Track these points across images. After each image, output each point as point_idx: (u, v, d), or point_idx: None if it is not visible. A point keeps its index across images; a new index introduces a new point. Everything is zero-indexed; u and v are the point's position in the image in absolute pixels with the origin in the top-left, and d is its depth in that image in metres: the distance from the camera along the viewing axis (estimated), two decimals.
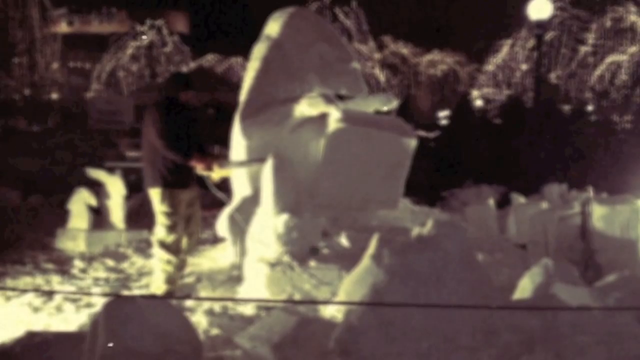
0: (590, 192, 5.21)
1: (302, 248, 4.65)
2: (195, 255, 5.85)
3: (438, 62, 48.74)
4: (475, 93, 42.90)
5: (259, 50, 5.95)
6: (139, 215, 7.30)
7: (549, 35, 40.90)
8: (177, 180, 4.77)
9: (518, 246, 6.05)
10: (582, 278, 4.07)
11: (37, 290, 5.02)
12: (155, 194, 4.78)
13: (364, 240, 4.00)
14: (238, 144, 5.70)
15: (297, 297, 4.39)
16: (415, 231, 3.68)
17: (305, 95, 5.54)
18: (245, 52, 7.17)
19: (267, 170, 4.88)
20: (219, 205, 6.01)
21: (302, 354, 3.24)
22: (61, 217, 7.09)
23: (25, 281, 5.39)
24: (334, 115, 5.44)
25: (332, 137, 5.45)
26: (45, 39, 40.28)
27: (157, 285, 4.84)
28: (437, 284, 3.33)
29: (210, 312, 4.28)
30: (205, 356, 3.35)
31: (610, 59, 42.20)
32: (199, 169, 4.84)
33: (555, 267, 3.76)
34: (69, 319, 4.37)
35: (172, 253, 4.77)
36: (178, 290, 4.92)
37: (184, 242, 4.92)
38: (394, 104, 6.30)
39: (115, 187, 6.86)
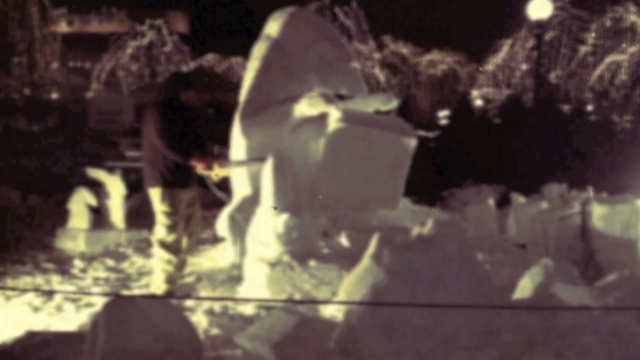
0: (590, 192, 5.21)
1: (302, 248, 4.65)
2: (195, 255, 5.85)
3: (438, 62, 48.78)
4: (475, 93, 42.90)
5: (259, 50, 5.95)
6: (139, 215, 7.30)
7: (548, 35, 40.91)
8: (177, 180, 4.77)
9: (518, 246, 6.06)
10: (582, 278, 4.07)
11: (37, 290, 5.02)
12: (155, 194, 4.78)
13: (364, 240, 4.00)
14: (238, 144, 5.70)
15: (297, 296, 4.39)
16: (415, 231, 3.67)
17: (305, 95, 5.54)
18: (245, 52, 7.16)
19: (267, 170, 4.88)
20: (219, 205, 6.01)
21: (302, 353, 3.24)
22: (61, 217, 7.10)
23: (25, 281, 5.40)
24: (334, 115, 5.44)
25: (332, 136, 5.45)
26: (44, 39, 40.18)
27: (157, 285, 4.84)
28: (437, 283, 3.32)
29: (210, 312, 4.29)
30: (205, 356, 3.35)
31: (610, 59, 42.21)
32: (199, 168, 4.84)
33: (555, 267, 3.76)
34: (69, 318, 4.37)
35: (172, 253, 4.77)
36: (178, 290, 4.92)
37: (184, 241, 4.91)
38: (394, 103, 6.30)
39: (115, 187, 6.86)
